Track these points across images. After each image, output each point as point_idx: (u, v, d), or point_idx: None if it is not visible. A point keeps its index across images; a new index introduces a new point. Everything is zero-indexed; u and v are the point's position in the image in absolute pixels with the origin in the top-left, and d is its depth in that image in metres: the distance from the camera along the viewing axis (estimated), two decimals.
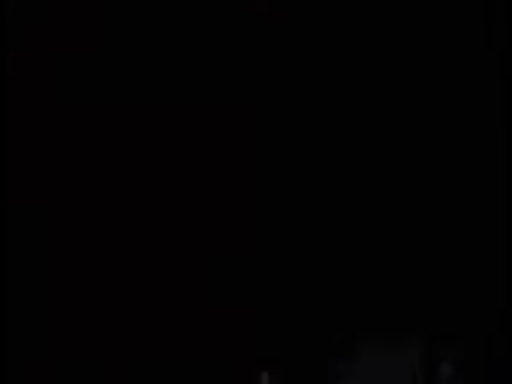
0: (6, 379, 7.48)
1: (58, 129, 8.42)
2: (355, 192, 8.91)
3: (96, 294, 8.34)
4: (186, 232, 8.82)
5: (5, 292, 7.72)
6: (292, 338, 8.73)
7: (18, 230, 7.98)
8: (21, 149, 8.10)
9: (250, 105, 8.96)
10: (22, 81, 8.06)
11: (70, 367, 8.03)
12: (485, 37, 8.47)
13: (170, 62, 8.86)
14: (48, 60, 8.28)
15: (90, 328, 8.21)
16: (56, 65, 8.32)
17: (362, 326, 8.68)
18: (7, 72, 7.87)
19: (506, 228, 8.28)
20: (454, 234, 8.71)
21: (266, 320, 8.79)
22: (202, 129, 8.97)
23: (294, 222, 8.99)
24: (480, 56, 8.56)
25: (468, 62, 8.62)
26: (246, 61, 8.88)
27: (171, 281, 8.76)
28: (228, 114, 8.93)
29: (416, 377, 8.31)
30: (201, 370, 8.60)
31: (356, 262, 9.00)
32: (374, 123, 8.93)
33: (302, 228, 8.96)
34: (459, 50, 8.66)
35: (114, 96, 8.63)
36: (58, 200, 8.38)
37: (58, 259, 8.29)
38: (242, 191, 8.98)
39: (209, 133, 8.94)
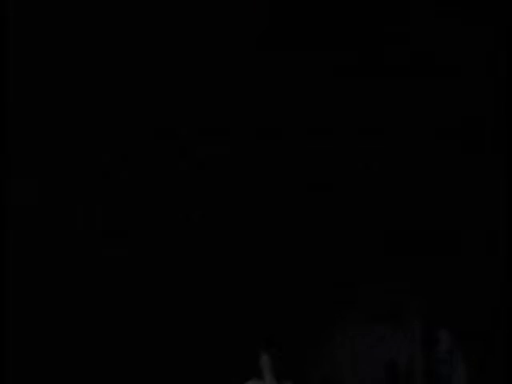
0: (5, 379, 7.45)
1: (58, 128, 8.43)
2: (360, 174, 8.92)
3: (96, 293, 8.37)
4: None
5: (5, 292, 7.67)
6: (291, 321, 8.75)
7: (18, 230, 7.98)
8: (21, 148, 8.09)
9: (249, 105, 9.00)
10: (22, 81, 8.05)
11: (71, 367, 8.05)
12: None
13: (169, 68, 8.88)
14: (48, 60, 8.28)
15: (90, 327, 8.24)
16: (56, 65, 8.33)
17: (363, 295, 8.69)
18: (7, 72, 7.83)
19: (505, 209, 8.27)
20: (455, 206, 8.74)
21: (265, 304, 8.82)
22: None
23: (294, 198, 8.99)
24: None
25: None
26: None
27: (175, 264, 8.79)
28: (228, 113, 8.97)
29: (416, 347, 8.35)
30: (203, 353, 8.64)
31: (356, 244, 9.03)
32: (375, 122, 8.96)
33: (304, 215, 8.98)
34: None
35: (113, 96, 8.64)
36: (59, 200, 8.40)
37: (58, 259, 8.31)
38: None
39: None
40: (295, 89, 8.89)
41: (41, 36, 8.24)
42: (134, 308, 8.46)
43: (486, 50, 8.56)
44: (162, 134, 8.75)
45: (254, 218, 8.77)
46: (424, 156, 8.70)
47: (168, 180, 8.71)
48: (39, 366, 7.97)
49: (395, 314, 8.47)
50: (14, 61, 8.03)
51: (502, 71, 8.35)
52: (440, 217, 8.63)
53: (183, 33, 8.76)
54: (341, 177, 8.79)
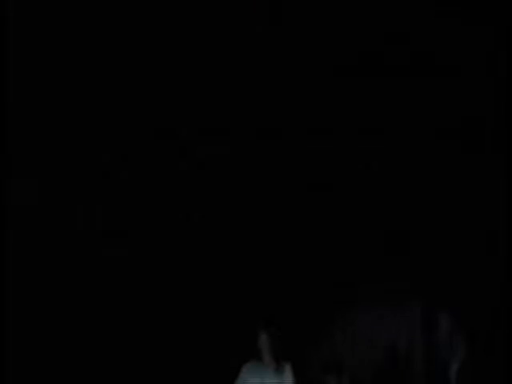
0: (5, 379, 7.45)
1: (57, 128, 8.42)
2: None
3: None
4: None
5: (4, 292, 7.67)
6: (290, 300, 8.78)
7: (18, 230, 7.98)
8: (21, 148, 8.08)
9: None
10: (21, 80, 8.05)
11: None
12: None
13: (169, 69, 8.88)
14: (48, 60, 8.28)
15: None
16: (56, 65, 8.34)
17: (364, 279, 8.71)
18: (7, 72, 7.83)
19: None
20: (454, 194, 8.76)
21: (265, 281, 8.85)
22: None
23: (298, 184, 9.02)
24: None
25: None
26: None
27: (175, 262, 8.81)
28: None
29: (416, 331, 8.37)
30: (203, 331, 8.67)
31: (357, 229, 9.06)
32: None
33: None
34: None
35: (113, 96, 8.64)
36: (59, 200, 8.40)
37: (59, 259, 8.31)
38: None
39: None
40: (295, 89, 8.90)
41: (40, 36, 8.24)
42: (134, 299, 8.46)
43: (486, 50, 8.56)
44: (161, 134, 8.76)
45: (254, 216, 8.78)
46: (424, 156, 8.71)
47: (168, 180, 8.73)
48: (39, 365, 7.99)
49: (395, 297, 8.44)
50: (14, 60, 8.03)
51: (502, 71, 8.35)
52: (439, 216, 8.65)
53: (183, 32, 8.76)
54: (341, 176, 8.80)
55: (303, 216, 8.75)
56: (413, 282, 8.45)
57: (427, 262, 8.53)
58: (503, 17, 8.39)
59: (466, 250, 8.47)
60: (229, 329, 8.22)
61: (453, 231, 8.58)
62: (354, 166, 8.74)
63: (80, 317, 8.16)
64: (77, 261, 8.31)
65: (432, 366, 8.17)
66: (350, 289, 8.58)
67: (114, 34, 8.43)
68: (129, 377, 8.22)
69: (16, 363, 7.69)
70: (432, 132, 8.69)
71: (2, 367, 7.48)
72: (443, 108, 8.68)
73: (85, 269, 8.29)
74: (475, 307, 8.22)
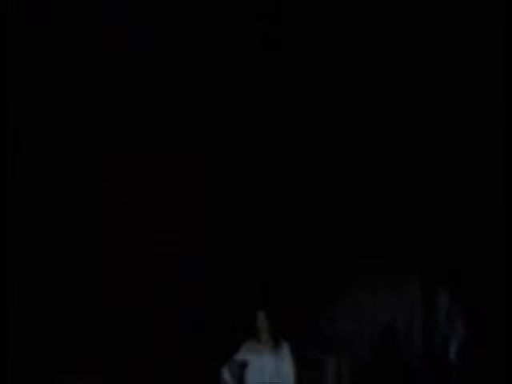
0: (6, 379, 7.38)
1: (58, 128, 8.48)
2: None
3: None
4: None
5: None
6: (289, 279, 8.69)
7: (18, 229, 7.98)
8: (21, 148, 8.12)
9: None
10: (21, 81, 8.11)
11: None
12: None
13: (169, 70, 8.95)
14: (48, 60, 8.37)
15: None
16: (56, 65, 8.42)
17: (365, 258, 8.63)
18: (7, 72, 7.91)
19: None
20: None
21: (265, 261, 8.77)
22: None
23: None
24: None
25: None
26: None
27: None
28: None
29: (416, 308, 8.28)
30: (203, 308, 8.61)
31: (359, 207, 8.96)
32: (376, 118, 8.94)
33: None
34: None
35: (113, 96, 8.70)
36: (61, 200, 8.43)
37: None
38: None
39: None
40: (295, 88, 8.92)
41: (40, 37, 8.34)
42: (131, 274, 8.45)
43: (486, 50, 8.53)
44: (162, 134, 8.80)
45: (256, 191, 8.77)
46: (423, 135, 8.68)
47: (169, 180, 8.74)
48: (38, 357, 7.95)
49: (394, 277, 8.42)
50: (15, 61, 8.12)
51: (502, 71, 8.29)
52: (439, 195, 8.60)
53: (183, 33, 8.84)
54: (343, 154, 8.79)
55: (304, 193, 8.76)
56: (413, 262, 8.43)
57: (427, 241, 8.50)
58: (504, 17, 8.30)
59: (466, 230, 8.45)
60: (228, 309, 8.14)
61: (452, 211, 8.56)
62: (355, 142, 8.73)
63: (80, 310, 8.17)
64: (76, 258, 8.34)
65: (431, 344, 8.13)
66: (349, 268, 8.57)
67: (114, 36, 8.53)
68: (128, 348, 8.17)
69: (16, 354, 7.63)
70: (432, 131, 8.67)
71: (2, 367, 7.38)
72: (443, 108, 8.67)
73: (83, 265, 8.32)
74: (474, 286, 8.21)
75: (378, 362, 8.51)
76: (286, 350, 7.42)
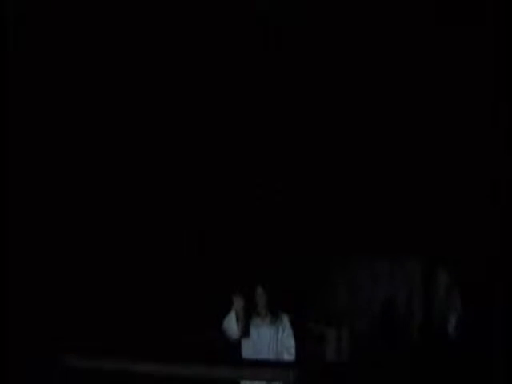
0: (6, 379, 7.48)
1: (57, 128, 8.57)
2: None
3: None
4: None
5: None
6: (289, 253, 8.85)
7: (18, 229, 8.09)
8: (21, 149, 8.22)
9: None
10: (21, 81, 8.18)
11: None
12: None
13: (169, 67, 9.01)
14: (48, 60, 8.42)
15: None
16: (56, 65, 8.48)
17: (365, 235, 8.80)
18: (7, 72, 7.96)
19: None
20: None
21: (264, 235, 8.92)
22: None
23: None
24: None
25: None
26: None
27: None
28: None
29: (415, 282, 8.41)
30: (198, 289, 8.85)
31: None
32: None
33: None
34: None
35: (113, 96, 8.78)
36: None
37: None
38: None
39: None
40: (295, 88, 9.01)
41: (40, 37, 8.37)
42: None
43: (486, 50, 8.57)
44: (162, 135, 8.91)
45: (254, 163, 8.85)
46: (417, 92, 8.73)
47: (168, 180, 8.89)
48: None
49: (394, 252, 8.50)
50: (15, 61, 8.14)
51: (502, 71, 8.34)
52: (438, 170, 8.67)
53: (183, 34, 8.89)
54: (344, 122, 8.86)
55: (302, 168, 8.83)
56: (413, 238, 8.52)
57: (426, 217, 8.60)
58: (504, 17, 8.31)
59: (465, 206, 8.52)
60: (225, 284, 8.23)
61: (451, 186, 8.64)
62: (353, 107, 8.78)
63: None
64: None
65: (430, 318, 8.24)
66: (349, 243, 8.64)
67: (113, 37, 8.53)
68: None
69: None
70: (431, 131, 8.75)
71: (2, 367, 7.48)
72: (443, 108, 8.71)
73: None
74: (474, 262, 8.30)
75: (378, 335, 8.69)
76: (285, 321, 7.49)
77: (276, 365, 6.83)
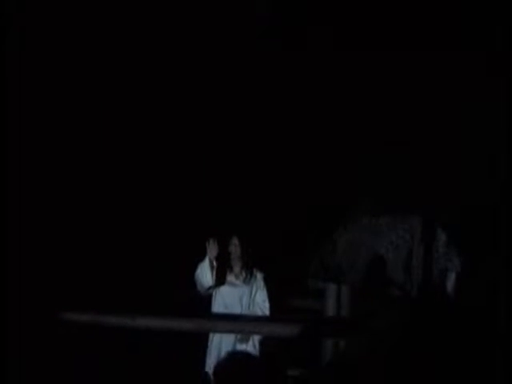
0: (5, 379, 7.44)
1: (57, 129, 8.46)
2: None
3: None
4: None
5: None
6: (291, 210, 8.84)
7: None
8: (21, 149, 8.10)
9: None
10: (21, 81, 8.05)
11: None
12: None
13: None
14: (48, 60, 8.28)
15: None
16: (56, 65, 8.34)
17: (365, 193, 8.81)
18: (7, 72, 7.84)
19: None
20: None
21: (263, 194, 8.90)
22: None
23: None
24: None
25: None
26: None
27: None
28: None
29: (415, 239, 8.47)
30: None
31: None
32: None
33: None
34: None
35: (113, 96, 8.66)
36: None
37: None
38: None
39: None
40: (295, 88, 8.91)
41: (40, 37, 8.24)
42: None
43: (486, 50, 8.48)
44: (161, 135, 8.82)
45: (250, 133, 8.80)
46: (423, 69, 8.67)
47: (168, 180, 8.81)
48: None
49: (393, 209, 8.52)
50: (14, 61, 8.01)
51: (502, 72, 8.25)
52: (439, 133, 8.67)
53: (183, 35, 8.77)
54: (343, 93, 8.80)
55: (305, 131, 8.78)
56: (414, 196, 8.52)
57: (427, 177, 8.59)
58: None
59: (465, 166, 8.52)
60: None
61: (453, 147, 8.62)
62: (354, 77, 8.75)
63: None
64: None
65: (430, 274, 8.28)
66: (350, 202, 8.65)
67: (113, 37, 8.42)
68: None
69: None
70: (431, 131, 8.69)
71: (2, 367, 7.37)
72: (444, 108, 8.65)
73: None
74: (473, 220, 8.32)
75: (378, 291, 8.69)
76: (259, 279, 7.31)
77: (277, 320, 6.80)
